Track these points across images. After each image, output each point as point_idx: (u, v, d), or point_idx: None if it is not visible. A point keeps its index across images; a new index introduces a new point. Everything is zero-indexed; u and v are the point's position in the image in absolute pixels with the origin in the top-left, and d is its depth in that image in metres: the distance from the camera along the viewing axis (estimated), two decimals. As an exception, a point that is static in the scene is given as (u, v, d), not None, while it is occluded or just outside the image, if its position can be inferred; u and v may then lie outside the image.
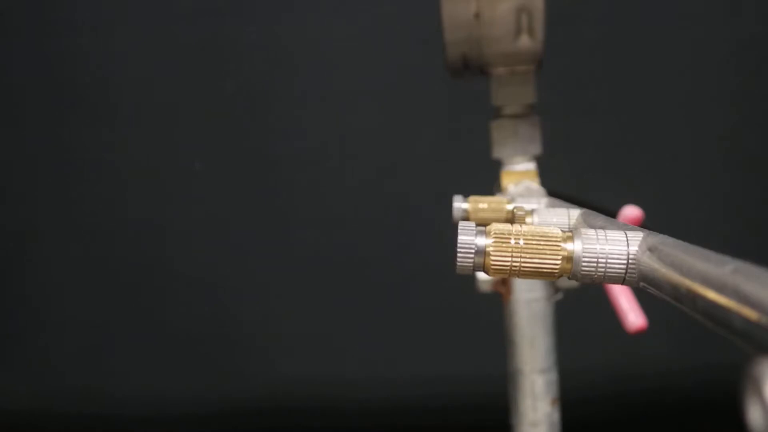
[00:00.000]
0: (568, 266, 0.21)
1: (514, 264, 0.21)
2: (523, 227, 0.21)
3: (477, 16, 0.41)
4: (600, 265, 0.20)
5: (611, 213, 0.36)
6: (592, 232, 0.21)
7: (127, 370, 1.01)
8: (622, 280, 0.20)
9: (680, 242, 0.18)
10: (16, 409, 1.02)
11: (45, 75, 0.97)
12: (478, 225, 0.22)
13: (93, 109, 0.97)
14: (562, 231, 0.21)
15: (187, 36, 0.94)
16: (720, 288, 0.15)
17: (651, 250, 0.19)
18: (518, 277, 0.21)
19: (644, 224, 0.38)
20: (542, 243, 0.21)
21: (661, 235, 0.20)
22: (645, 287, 0.20)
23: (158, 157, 0.97)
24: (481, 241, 0.21)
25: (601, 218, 0.26)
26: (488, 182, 0.47)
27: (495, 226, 0.21)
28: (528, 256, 0.21)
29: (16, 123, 0.99)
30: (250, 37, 0.94)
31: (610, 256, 0.20)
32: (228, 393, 1.00)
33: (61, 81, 0.97)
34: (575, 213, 0.29)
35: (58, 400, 1.02)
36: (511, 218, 0.31)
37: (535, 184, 0.45)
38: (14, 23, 0.96)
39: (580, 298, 0.48)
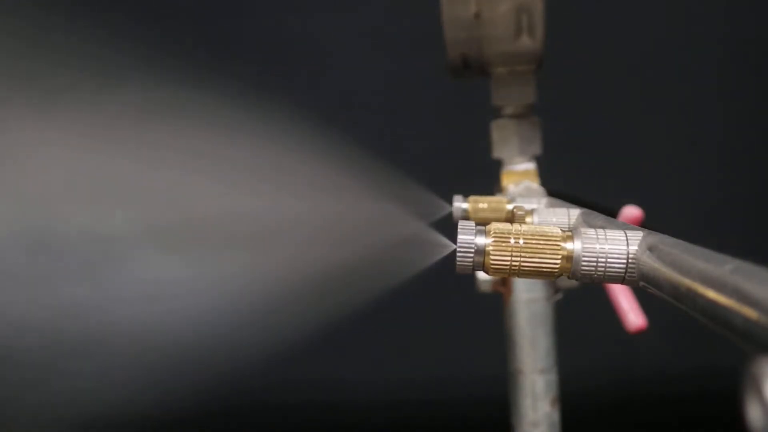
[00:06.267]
0: (568, 266, 0.21)
1: (514, 263, 0.21)
2: (522, 227, 0.21)
3: (477, 16, 0.41)
4: (600, 264, 0.20)
5: (611, 213, 0.36)
6: (591, 231, 0.21)
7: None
8: (622, 280, 0.20)
9: (680, 242, 0.18)
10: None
11: (45, 75, 0.97)
12: (478, 225, 0.22)
13: (93, 109, 0.97)
14: (561, 230, 0.21)
15: (187, 35, 0.94)
16: (720, 287, 0.14)
17: (651, 249, 0.19)
18: (518, 276, 0.21)
19: (644, 224, 0.38)
20: (542, 242, 0.21)
21: (661, 235, 0.20)
22: (645, 287, 0.20)
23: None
24: (481, 240, 0.21)
25: (601, 218, 0.26)
26: (488, 182, 0.47)
27: (495, 226, 0.21)
28: (528, 255, 0.21)
29: (16, 123, 0.99)
30: (249, 37, 0.94)
31: (609, 255, 0.20)
32: (228, 393, 1.00)
33: (61, 81, 0.96)
34: (575, 213, 0.29)
35: (58, 400, 1.02)
36: (511, 218, 0.31)
37: (535, 184, 0.45)
38: (14, 23, 0.96)
39: (580, 298, 0.48)
